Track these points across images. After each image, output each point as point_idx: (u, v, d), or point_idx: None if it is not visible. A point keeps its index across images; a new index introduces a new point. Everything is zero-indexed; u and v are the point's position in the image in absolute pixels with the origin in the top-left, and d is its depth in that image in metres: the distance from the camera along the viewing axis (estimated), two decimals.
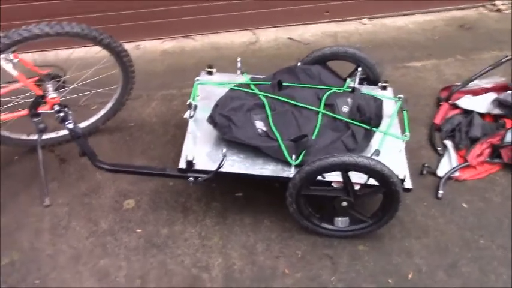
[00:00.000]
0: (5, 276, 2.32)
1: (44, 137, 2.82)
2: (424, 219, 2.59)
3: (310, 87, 2.63)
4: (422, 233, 2.53)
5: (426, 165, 2.81)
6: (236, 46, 3.79)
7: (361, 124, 2.44)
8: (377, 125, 2.48)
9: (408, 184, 2.32)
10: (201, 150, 2.43)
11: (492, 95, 3.09)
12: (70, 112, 2.57)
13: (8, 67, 2.36)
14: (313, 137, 2.42)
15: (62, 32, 2.38)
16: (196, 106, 2.53)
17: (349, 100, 2.50)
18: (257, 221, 2.56)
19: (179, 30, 3.84)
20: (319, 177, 2.28)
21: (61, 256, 2.41)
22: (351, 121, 2.45)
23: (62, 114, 2.52)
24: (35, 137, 2.73)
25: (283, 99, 2.54)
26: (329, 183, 2.31)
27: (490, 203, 2.67)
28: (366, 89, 2.77)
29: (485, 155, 2.84)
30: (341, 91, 2.61)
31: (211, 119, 2.44)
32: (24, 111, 2.55)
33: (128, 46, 3.63)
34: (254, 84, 2.66)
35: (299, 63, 2.80)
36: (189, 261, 2.40)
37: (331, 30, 3.95)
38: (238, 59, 2.80)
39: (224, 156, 2.28)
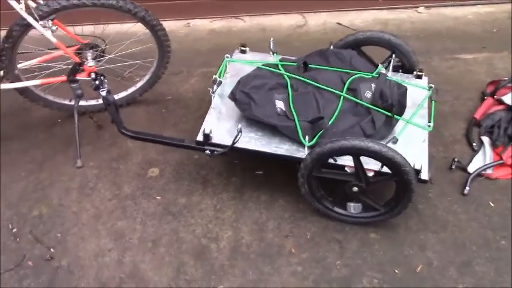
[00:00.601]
0: (32, 227, 2.51)
1: (86, 103, 3.00)
2: (445, 214, 2.50)
3: (336, 70, 2.59)
4: (440, 228, 2.44)
5: (456, 159, 2.70)
6: (283, 28, 3.79)
7: (382, 110, 2.38)
8: (400, 113, 2.42)
9: (424, 175, 2.25)
10: (221, 125, 2.48)
11: None
12: (105, 81, 2.71)
13: (48, 34, 2.52)
14: (332, 120, 2.40)
15: (97, 3, 2.51)
16: (220, 82, 2.58)
17: (373, 85, 2.45)
18: (272, 200, 2.59)
19: (229, 10, 3.90)
20: (332, 160, 2.27)
21: (84, 214, 2.57)
22: (372, 107, 2.40)
23: (97, 82, 2.67)
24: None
25: (306, 80, 2.53)
26: (342, 167, 2.29)
27: None
28: (399, 77, 2.70)
29: None
30: (368, 76, 2.55)
31: (232, 95, 2.48)
32: (63, 77, 2.72)
33: (179, 24, 3.79)
34: (282, 65, 2.66)
35: (331, 47, 2.77)
36: (200, 231, 2.47)
37: (383, 17, 3.85)
38: (271, 39, 2.81)
39: (239, 131, 2.32)
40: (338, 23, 3.81)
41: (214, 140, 2.41)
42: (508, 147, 2.70)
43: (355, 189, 2.31)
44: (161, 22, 2.79)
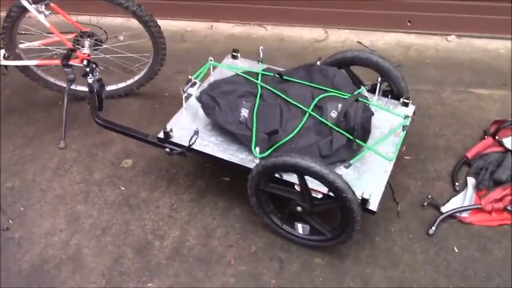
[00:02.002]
0: (1, 197, 2.65)
1: (85, 89, 3.11)
2: (401, 251, 2.35)
3: (311, 86, 2.52)
4: (391, 265, 2.30)
5: (430, 196, 2.53)
6: (301, 41, 3.74)
7: (344, 132, 2.28)
8: (363, 138, 2.31)
9: (373, 206, 2.13)
10: (187, 125, 2.49)
11: None
12: (97, 69, 2.80)
13: (41, 18, 2.65)
14: (292, 135, 2.33)
15: None
16: (195, 83, 2.59)
17: (339, 106, 2.35)
18: (229, 208, 2.56)
19: (253, 17, 3.90)
20: (278, 176, 2.21)
21: (50, 193, 2.68)
22: (334, 127, 2.31)
23: (87, 69, 2.76)
24: (73, 86, 3.02)
25: (276, 91, 2.48)
26: (290, 184, 2.22)
27: (487, 255, 2.32)
28: (384, 103, 2.59)
29: (505, 202, 2.46)
30: (343, 96, 2.46)
31: (199, 98, 2.49)
32: (58, 61, 2.85)
33: (203, 25, 3.86)
34: (262, 75, 2.63)
35: (318, 62, 2.69)
36: (150, 226, 2.50)
37: (407, 41, 3.68)
38: (261, 47, 2.78)
39: (195, 133, 2.33)
40: (358, 42, 3.70)
41: (175, 139, 2.43)
42: (489, 192, 2.49)
43: (299, 209, 2.23)
44: (155, 19, 2.85)
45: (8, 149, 2.92)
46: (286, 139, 2.32)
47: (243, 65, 2.82)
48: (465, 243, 2.38)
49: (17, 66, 2.95)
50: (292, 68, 2.71)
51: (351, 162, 2.23)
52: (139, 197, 2.64)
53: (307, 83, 2.53)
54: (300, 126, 2.36)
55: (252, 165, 2.27)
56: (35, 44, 2.89)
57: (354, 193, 2.05)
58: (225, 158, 2.34)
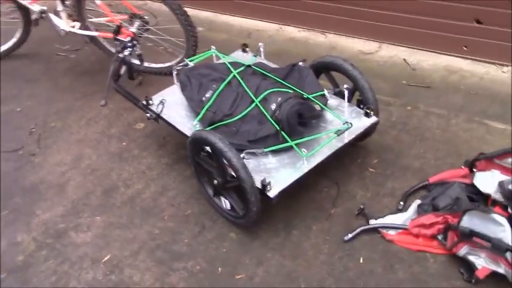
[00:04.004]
0: (43, 131, 3.39)
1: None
2: (309, 247, 2.44)
3: (277, 81, 2.72)
4: (291, 256, 2.42)
5: (362, 206, 2.54)
6: (350, 51, 3.83)
7: (274, 123, 2.47)
8: (290, 131, 2.46)
9: (271, 193, 2.30)
10: (170, 99, 2.89)
11: None
12: (137, 46, 3.37)
13: None
14: (235, 119, 2.60)
15: None
16: (187, 64, 2.99)
17: (279, 99, 2.53)
18: (191, 177, 2.85)
19: (318, 24, 4.10)
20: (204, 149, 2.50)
21: (74, 136, 3.33)
22: (269, 118, 2.50)
23: (128, 44, 3.35)
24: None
25: (240, 81, 2.74)
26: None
27: (389, 274, 2.28)
28: (349, 108, 2.69)
29: (434, 230, 2.36)
30: (286, 92, 2.61)
31: (178, 76, 2.89)
32: (111, 35, 3.49)
33: (273, 26, 4.22)
34: (247, 66, 2.91)
35: (301, 63, 2.87)
36: (125, 176, 2.98)
37: (456, 66, 3.52)
38: (260, 44, 3.07)
39: (162, 102, 2.75)
40: (404, 59, 3.66)
41: (153, 107, 2.86)
42: (420, 216, 2.41)
43: (215, 182, 2.49)
44: (184, 8, 3.30)
45: (66, 99, 3.67)
46: (228, 121, 2.60)
47: (245, 58, 3.11)
48: (375, 257, 2.36)
49: (88, 37, 3.69)
50: (282, 66, 2.93)
51: (265, 150, 2.41)
52: (132, 152, 3.13)
53: (274, 77, 2.74)
54: (244, 113, 2.61)
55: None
56: (100, 20, 3.57)
57: (248, 174, 2.25)
58: (179, 128, 2.70)
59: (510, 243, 2.11)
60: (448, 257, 2.31)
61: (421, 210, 2.47)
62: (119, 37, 3.43)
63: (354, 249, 2.41)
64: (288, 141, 2.45)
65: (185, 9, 3.36)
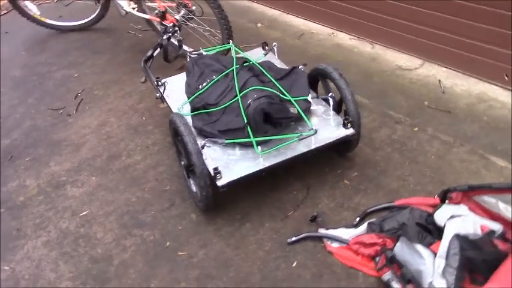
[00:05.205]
0: (84, 97, 3.82)
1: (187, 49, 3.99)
2: (253, 242, 2.53)
3: (269, 78, 2.81)
4: (234, 246, 2.53)
5: (315, 214, 2.56)
6: (389, 64, 3.73)
7: (244, 118, 2.58)
8: (255, 128, 2.55)
9: (220, 182, 2.44)
10: (182, 82, 3.12)
11: (478, 219, 2.29)
12: (176, 32, 3.65)
13: None
14: (216, 109, 2.75)
15: None
16: (201, 53, 3.19)
17: (255, 96, 2.62)
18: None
19: (368, 34, 4.05)
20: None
21: (108, 106, 3.72)
22: (242, 112, 2.61)
23: (169, 29, 3.65)
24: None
25: (235, 74, 2.86)
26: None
27: (315, 283, 2.30)
28: (332, 115, 2.74)
29: (371, 251, 2.32)
30: (268, 90, 2.68)
31: (187, 62, 3.10)
32: (158, 18, 3.81)
33: (326, 30, 4.28)
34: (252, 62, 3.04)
35: (301, 67, 2.93)
36: (131, 147, 3.28)
37: (491, 94, 3.27)
38: (274, 43, 3.18)
39: (163, 84, 3.01)
40: (439, 80, 3.51)
41: (161, 89, 3.12)
42: (364, 233, 2.38)
43: (182, 163, 2.67)
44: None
45: (116, 72, 4.08)
46: (211, 110, 2.76)
47: (257, 55, 3.23)
48: (309, 264, 2.38)
49: (144, 19, 4.05)
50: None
51: (226, 141, 2.55)
52: (146, 128, 3.42)
53: (269, 76, 2.83)
54: (226, 104, 2.74)
55: None
56: (155, 5, 3.90)
57: (200, 161, 2.41)
58: (171, 109, 2.92)
59: (429, 278, 2.03)
60: (379, 281, 2.26)
61: (369, 229, 2.43)
62: (163, 22, 3.73)
63: (294, 252, 2.44)
64: (249, 137, 2.54)
65: (221, 2, 3.54)
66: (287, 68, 3.04)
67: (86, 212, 2.84)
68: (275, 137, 2.58)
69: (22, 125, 3.63)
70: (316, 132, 2.56)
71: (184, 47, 3.95)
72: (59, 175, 3.12)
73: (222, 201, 2.71)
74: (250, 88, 2.70)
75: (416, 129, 3.08)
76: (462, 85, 3.44)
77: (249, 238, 2.55)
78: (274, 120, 2.59)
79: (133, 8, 4.05)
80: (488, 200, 2.34)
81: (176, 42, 3.71)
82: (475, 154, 2.84)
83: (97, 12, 4.57)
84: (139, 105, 3.66)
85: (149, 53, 3.48)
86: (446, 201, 2.47)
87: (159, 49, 3.52)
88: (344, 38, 4.19)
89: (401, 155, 2.90)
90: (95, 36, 4.68)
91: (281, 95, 2.70)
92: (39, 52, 4.56)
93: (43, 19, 4.72)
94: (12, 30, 5.02)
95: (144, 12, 4.04)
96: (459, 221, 2.18)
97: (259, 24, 4.56)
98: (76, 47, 4.55)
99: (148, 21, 4.12)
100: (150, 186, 2.94)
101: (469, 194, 2.41)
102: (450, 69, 3.61)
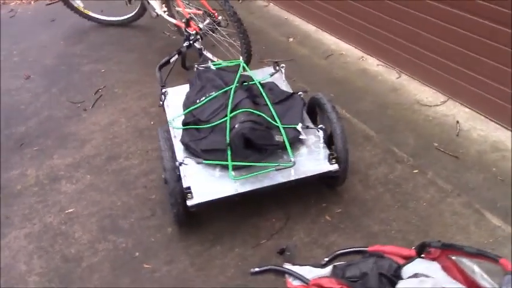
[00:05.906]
0: (102, 83, 3.92)
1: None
2: (218, 264, 2.53)
3: (265, 101, 2.78)
4: (199, 265, 2.53)
5: (284, 247, 2.47)
6: (409, 98, 3.57)
7: (228, 139, 2.56)
8: (235, 151, 2.54)
9: (190, 202, 2.44)
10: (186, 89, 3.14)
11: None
12: (198, 40, 3.67)
13: None
14: (206, 126, 2.74)
15: None
16: (209, 66, 3.19)
17: (242, 118, 2.58)
18: None
19: (396, 61, 3.90)
20: None
21: (122, 105, 3.79)
22: (227, 133, 2.59)
23: (191, 37, 3.67)
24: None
25: (232, 93, 2.83)
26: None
27: None
28: (321, 143, 2.68)
29: None
30: (258, 114, 2.64)
31: (195, 72, 3.12)
32: (183, 25, 3.84)
33: (357, 54, 4.17)
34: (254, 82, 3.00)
35: (300, 93, 2.87)
36: (132, 149, 3.34)
37: (506, 141, 3.06)
38: (282, 65, 3.12)
39: (164, 93, 3.04)
40: (457, 121, 3.32)
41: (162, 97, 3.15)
42: (325, 277, 2.29)
43: (163, 176, 2.69)
44: (237, 13, 3.47)
45: (139, 72, 4.17)
46: (200, 127, 2.76)
47: (263, 74, 3.18)
48: None
49: (173, 23, 4.11)
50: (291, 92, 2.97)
51: (203, 162, 2.54)
52: (152, 132, 3.46)
53: (266, 99, 2.79)
54: (215, 123, 2.73)
55: None
56: (184, 11, 3.94)
57: (173, 178, 2.44)
58: (167, 117, 2.95)
59: None
60: None
61: (333, 273, 2.33)
62: (187, 29, 3.76)
63: (254, 283, 2.40)
64: (227, 160, 2.52)
65: (240, 16, 3.52)
66: (291, 91, 2.98)
67: (71, 210, 2.92)
68: (253, 164, 2.54)
69: (40, 114, 3.78)
70: (294, 164, 2.50)
71: (208, 55, 3.98)
72: (59, 169, 3.23)
73: (200, 218, 2.71)
74: (240, 110, 2.67)
75: (416, 171, 2.94)
76: (481, 129, 3.24)
77: (215, 261, 2.53)
78: (257, 146, 2.55)
79: (164, 12, 4.11)
80: (465, 261, 2.19)
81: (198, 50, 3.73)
82: (470, 207, 2.67)
83: (136, 10, 4.68)
84: (151, 109, 3.71)
85: (165, 59, 3.51)
86: (423, 255, 2.35)
87: (177, 56, 3.55)
88: (372, 64, 4.05)
89: (393, 197, 2.78)
90: (131, 33, 4.79)
91: (271, 121, 2.66)
92: (76, 43, 4.73)
93: (86, 11, 4.88)
94: (59, 18, 5.23)
95: (173, 17, 4.09)
96: (416, 282, 2.05)
97: (291, 39, 4.50)
98: (111, 41, 4.68)
99: (177, 26, 4.17)
100: (137, 193, 2.98)
101: (446, 252, 2.27)
102: (473, 110, 3.41)
